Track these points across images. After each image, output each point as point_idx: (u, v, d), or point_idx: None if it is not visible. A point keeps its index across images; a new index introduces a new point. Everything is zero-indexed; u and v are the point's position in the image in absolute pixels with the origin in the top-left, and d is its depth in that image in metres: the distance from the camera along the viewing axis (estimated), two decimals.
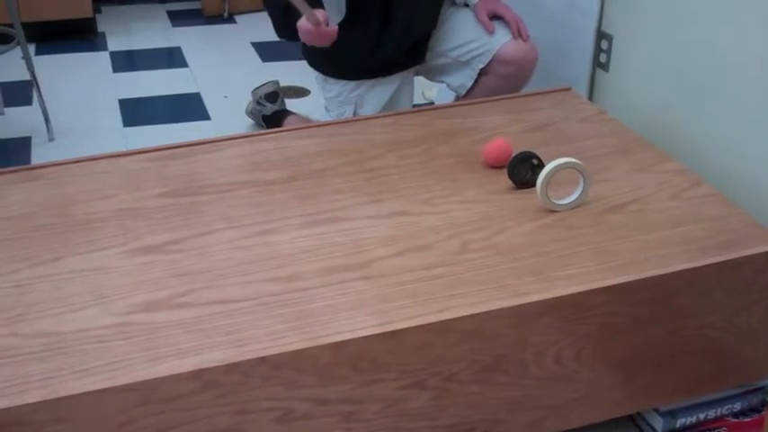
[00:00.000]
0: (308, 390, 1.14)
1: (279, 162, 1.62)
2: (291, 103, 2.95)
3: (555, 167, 1.41)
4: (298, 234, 1.38)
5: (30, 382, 1.05)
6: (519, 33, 2.05)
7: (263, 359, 1.09)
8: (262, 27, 4.09)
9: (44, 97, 2.91)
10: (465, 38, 2.09)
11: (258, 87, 2.88)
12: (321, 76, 2.19)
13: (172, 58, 3.81)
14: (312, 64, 2.21)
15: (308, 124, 1.98)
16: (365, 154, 1.65)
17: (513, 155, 1.53)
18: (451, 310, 1.19)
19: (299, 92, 3.00)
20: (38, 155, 2.81)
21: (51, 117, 2.92)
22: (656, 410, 1.47)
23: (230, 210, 1.45)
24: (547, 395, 1.31)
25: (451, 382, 1.22)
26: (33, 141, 2.92)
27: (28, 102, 3.21)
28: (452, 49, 2.12)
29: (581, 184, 1.44)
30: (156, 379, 1.05)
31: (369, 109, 2.15)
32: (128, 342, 1.12)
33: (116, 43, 3.97)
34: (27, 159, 2.79)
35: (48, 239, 1.36)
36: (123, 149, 1.67)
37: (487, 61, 2.07)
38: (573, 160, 1.42)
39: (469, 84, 2.13)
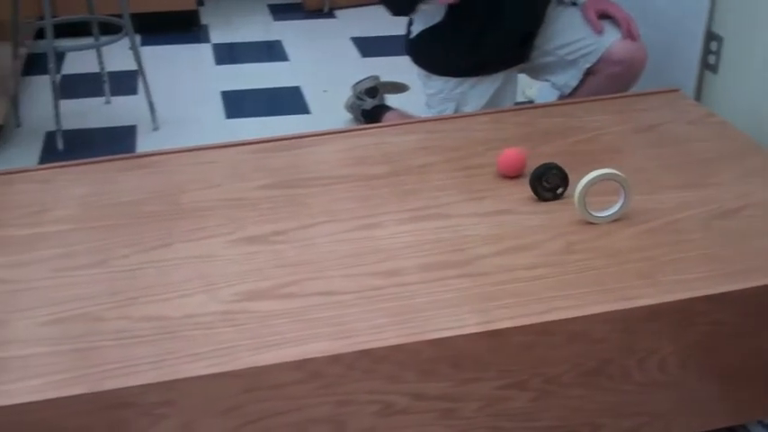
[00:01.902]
0: (408, 385, 1.14)
1: (380, 157, 1.63)
2: (390, 99, 2.96)
3: (594, 178, 1.36)
4: (399, 229, 1.38)
5: (140, 365, 1.08)
6: (629, 33, 2.01)
7: (365, 352, 1.10)
8: (362, 22, 4.12)
9: (149, 87, 2.99)
10: (572, 36, 2.06)
11: (359, 82, 2.90)
12: (424, 72, 2.19)
13: (272, 51, 3.87)
14: (415, 60, 2.21)
15: (408, 120, 1.98)
16: (467, 151, 1.65)
17: (535, 167, 1.48)
18: (556, 312, 1.18)
19: (399, 87, 3.00)
20: (142, 143, 2.88)
21: (156, 107, 2.99)
22: (761, 422, 1.43)
23: (333, 203, 1.46)
24: (649, 402, 1.29)
25: (553, 384, 1.21)
26: (138, 130, 3.00)
27: (133, 91, 3.29)
28: (559, 47, 2.09)
29: (622, 197, 1.39)
30: (261, 367, 1.07)
31: (471, 107, 2.15)
32: (234, 329, 1.14)
33: (218, 36, 4.04)
34: (132, 147, 2.87)
35: (157, 226, 1.39)
36: (225, 141, 1.70)
37: (595, 61, 2.04)
38: (613, 171, 1.37)
39: (574, 83, 2.10)
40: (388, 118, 2.64)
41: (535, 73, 2.23)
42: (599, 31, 2.03)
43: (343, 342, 1.11)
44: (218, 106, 3.21)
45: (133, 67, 3.01)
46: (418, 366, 1.13)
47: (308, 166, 1.59)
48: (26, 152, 2.90)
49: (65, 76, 3.41)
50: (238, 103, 3.24)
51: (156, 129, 3.00)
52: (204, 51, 3.84)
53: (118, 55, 3.29)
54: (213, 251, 1.32)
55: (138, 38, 3.18)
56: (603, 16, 2.07)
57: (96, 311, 1.18)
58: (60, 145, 2.87)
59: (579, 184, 1.37)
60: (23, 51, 3.36)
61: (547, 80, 2.23)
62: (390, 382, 1.13)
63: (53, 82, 2.85)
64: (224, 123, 3.06)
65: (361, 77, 2.97)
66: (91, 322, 1.16)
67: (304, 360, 1.08)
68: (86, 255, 1.32)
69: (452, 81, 2.15)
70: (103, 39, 3.12)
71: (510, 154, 1.54)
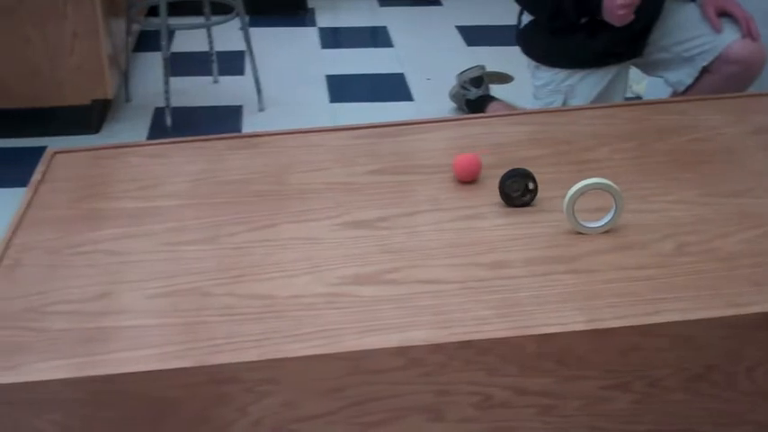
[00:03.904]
0: (509, 378, 1.13)
1: (486, 147, 1.61)
2: (495, 89, 2.94)
3: (583, 187, 1.31)
4: (504, 221, 1.37)
5: (246, 342, 1.09)
6: (749, 32, 1.96)
7: (468, 343, 1.10)
8: (468, 10, 4.10)
9: (257, 69, 3.03)
10: (690, 33, 2.02)
11: (464, 71, 2.89)
12: (533, 62, 2.18)
13: (378, 37, 3.89)
14: (525, 50, 2.20)
15: (516, 111, 1.97)
16: (576, 145, 1.62)
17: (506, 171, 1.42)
18: (663, 314, 1.15)
19: (503, 78, 2.98)
20: (248, 123, 2.94)
21: (262, 88, 3.04)
22: None
23: (438, 191, 1.46)
24: (754, 411, 1.25)
25: (656, 387, 1.18)
26: (244, 110, 3.05)
27: (240, 72, 3.35)
28: (675, 44, 2.05)
29: (613, 207, 1.33)
30: (364, 351, 1.08)
31: (579, 100, 2.12)
32: (338, 312, 1.15)
33: (325, 20, 4.08)
34: (238, 127, 2.93)
35: (265, 206, 1.41)
36: (329, 125, 1.71)
37: (712, 59, 1.99)
38: (604, 181, 1.32)
39: (689, 81, 2.06)
40: (492, 108, 2.63)
41: (648, 68, 2.19)
42: (718, 30, 1.98)
43: (446, 332, 1.11)
44: (322, 90, 3.24)
45: (241, 47, 3.07)
46: (520, 361, 1.12)
47: (414, 154, 1.59)
48: (135, 127, 2.98)
49: (174, 54, 3.49)
50: (342, 88, 3.27)
51: (261, 110, 3.04)
52: (310, 35, 3.88)
53: (226, 35, 3.36)
54: (319, 234, 1.33)
55: (246, 19, 3.23)
56: (723, 14, 2.01)
57: (204, 287, 1.20)
58: (168, 121, 2.94)
59: (568, 194, 1.32)
60: (136, 28, 3.45)
61: (660, 76, 2.19)
62: (491, 374, 1.12)
63: (165, 59, 2.92)
64: (328, 107, 3.09)
65: (465, 66, 2.96)
66: (199, 297, 1.18)
67: (406, 347, 1.09)
68: (196, 231, 1.34)
69: (562, 73, 2.13)
70: (214, 18, 3.18)
71: (464, 159, 1.50)
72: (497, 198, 1.42)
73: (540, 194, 1.44)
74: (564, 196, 1.32)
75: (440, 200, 1.43)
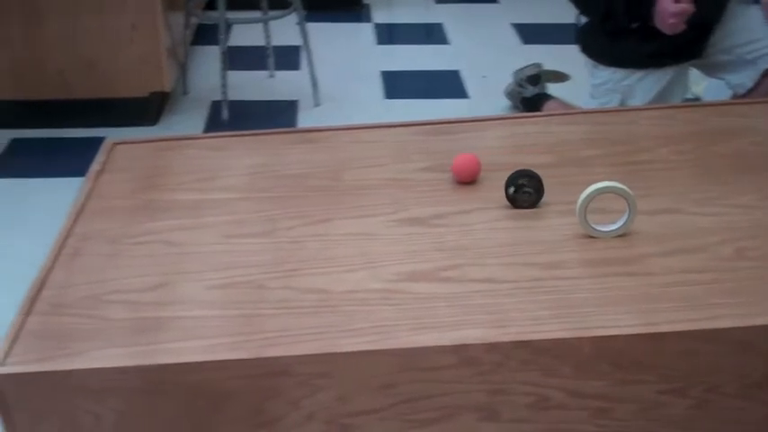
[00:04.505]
0: (564, 380, 1.12)
1: (543, 146, 1.60)
2: (551, 88, 2.92)
3: (595, 191, 1.29)
4: (561, 221, 1.36)
5: (300, 335, 1.10)
6: None
7: (523, 343, 1.09)
8: (524, 8, 4.08)
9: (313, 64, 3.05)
10: (753, 36, 1.99)
11: (521, 69, 2.87)
12: (591, 61, 2.16)
13: (433, 33, 3.88)
14: (583, 49, 2.18)
15: (573, 110, 1.95)
16: (634, 146, 1.60)
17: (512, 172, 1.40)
18: (722, 320, 1.13)
19: (560, 77, 2.96)
20: (303, 118, 2.95)
21: (317, 83, 3.05)
22: None
23: (492, 190, 1.45)
24: None
25: (714, 393, 1.16)
26: (300, 105, 3.07)
27: (296, 66, 3.37)
28: (738, 45, 2.02)
29: (627, 211, 1.31)
30: (418, 348, 1.08)
31: (637, 100, 2.10)
32: (393, 308, 1.15)
33: (380, 16, 4.08)
34: (293, 122, 2.94)
35: (321, 200, 1.42)
36: (383, 121, 1.71)
37: None
38: (617, 185, 1.29)
39: (750, 84, 2.03)
40: (548, 107, 2.61)
41: (709, 70, 2.16)
42: None
43: (501, 331, 1.11)
44: (377, 86, 3.24)
45: (297, 42, 3.09)
46: (576, 362, 1.11)
47: (470, 151, 1.58)
48: (192, 119, 3.01)
49: (230, 48, 3.53)
50: (397, 84, 3.27)
51: (317, 105, 3.06)
52: (366, 31, 3.89)
53: (283, 30, 3.37)
54: (374, 230, 1.34)
55: (303, 14, 3.24)
56: None
57: (261, 279, 1.21)
58: (225, 115, 2.97)
59: (581, 197, 1.30)
60: (194, 21, 3.48)
61: (721, 78, 2.15)
62: (546, 375, 1.12)
63: (222, 53, 2.95)
64: (383, 103, 3.09)
65: (521, 64, 2.95)
66: (255, 290, 1.19)
67: (461, 345, 1.08)
68: (253, 224, 1.35)
69: (620, 72, 2.11)
70: (272, 13, 3.20)
71: (464, 159, 1.48)
72: (557, 198, 1.41)
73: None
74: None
75: (495, 198, 1.42)
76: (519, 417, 1.14)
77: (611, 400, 1.15)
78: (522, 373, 1.11)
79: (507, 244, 1.30)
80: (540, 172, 1.49)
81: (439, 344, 1.08)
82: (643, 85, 2.06)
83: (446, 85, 3.26)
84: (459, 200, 1.41)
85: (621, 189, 1.30)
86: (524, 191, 1.38)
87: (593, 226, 1.31)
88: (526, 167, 1.41)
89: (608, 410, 1.16)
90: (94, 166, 1.53)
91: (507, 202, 1.40)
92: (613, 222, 1.32)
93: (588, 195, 1.29)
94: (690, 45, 2.03)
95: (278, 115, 3.01)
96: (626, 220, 1.31)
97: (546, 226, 1.35)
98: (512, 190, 1.38)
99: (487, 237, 1.32)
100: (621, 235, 1.31)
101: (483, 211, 1.39)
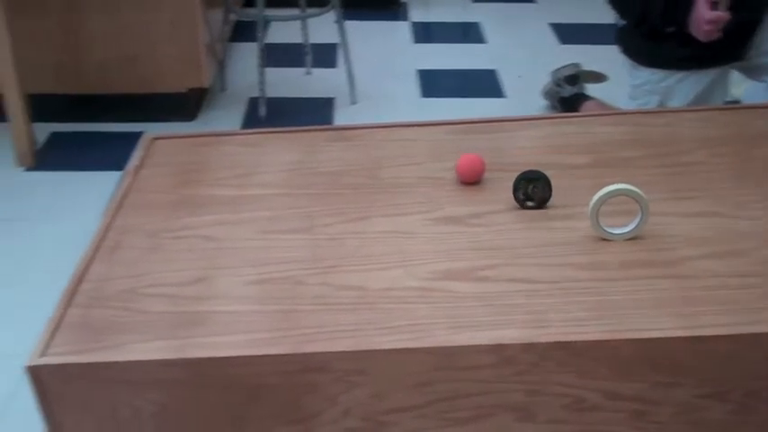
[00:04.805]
0: (602, 382, 1.12)
1: (581, 147, 1.59)
2: (589, 89, 2.90)
3: (608, 193, 1.27)
4: (601, 222, 1.35)
5: (338, 332, 1.10)
6: None
7: (561, 344, 1.08)
8: (561, 8, 4.06)
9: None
10: None
11: (559, 69, 2.86)
12: (631, 62, 2.14)
13: (470, 32, 3.87)
14: (623, 49, 2.16)
15: (612, 111, 1.94)
16: (674, 147, 1.59)
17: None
18: (764, 324, 1.12)
19: (598, 77, 2.94)
20: (340, 116, 2.96)
21: (354, 81, 3.06)
22: None
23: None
24: None
25: (754, 398, 1.15)
26: (336, 102, 3.07)
27: (332, 64, 3.38)
28: None
29: (639, 214, 1.29)
30: (455, 347, 1.08)
31: (676, 102, 2.08)
32: (429, 306, 1.15)
33: (417, 14, 4.08)
34: (329, 119, 2.95)
35: (357, 198, 1.42)
36: (419, 119, 1.71)
37: None
38: (629, 187, 1.28)
39: None
40: (586, 107, 2.60)
41: (751, 72, 2.13)
42: None
43: (539, 331, 1.10)
44: (413, 84, 3.24)
45: (334, 40, 3.09)
46: (614, 365, 1.10)
47: (507, 151, 1.58)
48: (230, 116, 3.03)
49: (268, 45, 3.54)
50: (434, 83, 3.27)
51: (353, 102, 3.06)
52: (402, 29, 3.89)
53: (320, 27, 3.38)
54: (411, 228, 1.34)
55: (341, 12, 3.25)
56: None
57: (299, 276, 1.22)
58: (263, 111, 2.98)
59: (593, 199, 1.29)
60: (232, 18, 3.50)
61: (764, 81, 2.13)
62: (584, 377, 1.11)
63: (260, 50, 2.96)
64: (419, 102, 3.09)
65: (558, 65, 2.93)
66: (293, 285, 1.20)
67: (498, 345, 1.08)
68: (291, 220, 1.36)
69: (660, 73, 2.09)
70: (310, 10, 3.21)
71: (468, 159, 1.47)
72: (589, 199, 1.40)
73: None
74: (664, 199, 1.30)
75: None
76: (555, 417, 1.14)
77: (649, 402, 1.14)
78: (559, 374, 1.11)
79: (544, 244, 1.30)
80: (577, 173, 1.48)
81: (476, 343, 1.08)
82: (683, 86, 2.04)
83: (482, 84, 3.25)
84: (494, 200, 1.41)
85: (634, 192, 1.29)
86: (532, 191, 1.38)
87: (605, 228, 1.30)
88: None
89: (645, 413, 1.15)
90: (134, 161, 1.54)
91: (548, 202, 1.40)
92: (625, 225, 1.31)
93: (600, 198, 1.29)
94: (731, 47, 2.00)
95: (315, 112, 3.02)
96: (638, 223, 1.30)
97: (584, 227, 1.34)
98: (520, 194, 1.38)
99: (524, 236, 1.32)
100: (632, 238, 1.30)
101: (520, 211, 1.38)
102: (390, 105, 3.03)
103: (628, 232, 1.30)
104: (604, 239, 1.30)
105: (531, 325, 1.11)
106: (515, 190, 1.39)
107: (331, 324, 1.12)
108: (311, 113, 3.01)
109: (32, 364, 1.08)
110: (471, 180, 1.47)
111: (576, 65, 2.85)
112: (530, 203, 1.39)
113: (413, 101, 3.08)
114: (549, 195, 1.39)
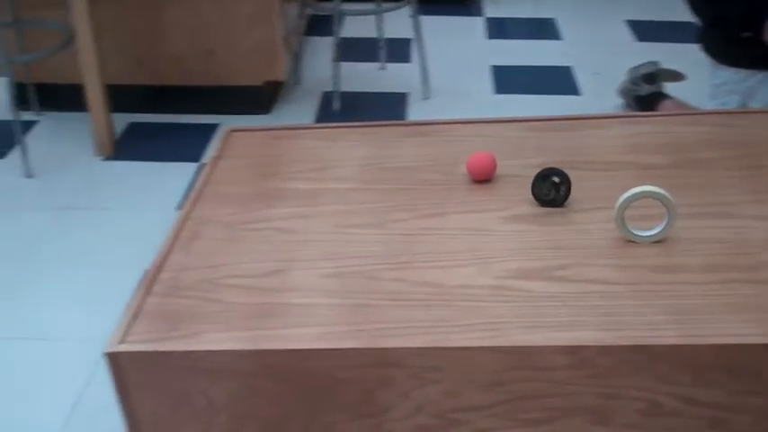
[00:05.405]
0: (678, 387, 1.10)
1: (661, 147, 1.57)
2: (666, 87, 2.85)
3: (635, 194, 1.24)
4: (680, 224, 1.32)
5: (413, 327, 1.10)
6: None
7: (639, 348, 1.07)
8: (638, 5, 3.99)
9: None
10: None
11: (636, 67, 2.82)
12: (712, 61, 2.10)
13: (545, 29, 3.83)
14: (705, 48, 2.12)
15: (693, 111, 1.90)
16: (759, 149, 1.55)
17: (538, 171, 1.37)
18: None
19: (676, 76, 2.89)
20: (413, 111, 2.95)
21: (428, 76, 3.05)
22: None
23: (607, 189, 1.42)
24: None
25: None
26: (409, 98, 3.07)
27: (406, 59, 3.38)
28: None
29: (666, 217, 1.26)
30: (531, 347, 1.07)
31: (758, 102, 2.03)
32: (504, 305, 1.14)
33: (492, 10, 4.06)
34: (402, 114, 2.95)
35: (432, 194, 1.42)
36: (493, 115, 1.70)
37: None
38: (656, 189, 1.24)
39: None
40: (664, 106, 2.55)
41: None
42: None
43: (616, 334, 1.09)
44: (487, 80, 3.23)
45: (408, 35, 3.10)
46: (692, 370, 1.08)
47: (584, 150, 1.56)
48: (303, 109, 3.05)
49: (343, 39, 3.56)
50: (508, 79, 3.24)
51: (426, 98, 3.06)
52: (477, 25, 3.87)
53: (395, 22, 3.38)
54: (486, 225, 1.33)
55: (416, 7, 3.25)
56: None
57: (374, 270, 1.22)
58: (337, 105, 2.99)
59: (619, 200, 1.26)
60: (308, 12, 3.53)
61: None
62: (661, 381, 1.09)
63: (336, 44, 2.97)
64: (492, 98, 3.08)
65: (634, 62, 2.89)
66: (368, 280, 1.20)
67: (575, 346, 1.07)
68: (365, 215, 1.36)
69: (742, 73, 2.05)
70: (385, 5, 3.22)
71: (479, 157, 1.45)
72: (675, 200, 1.38)
73: (718, 198, 1.38)
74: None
75: (609, 198, 1.39)
76: (631, 422, 1.12)
77: (727, 410, 1.12)
78: (635, 378, 1.09)
79: (622, 245, 1.28)
80: (656, 173, 1.46)
81: (552, 344, 1.07)
82: (765, 87, 1.99)
83: (557, 80, 3.22)
84: (572, 198, 1.39)
85: (660, 194, 1.27)
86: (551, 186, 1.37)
87: (631, 230, 1.29)
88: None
89: (723, 421, 1.12)
90: (212, 153, 1.56)
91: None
92: (651, 228, 1.29)
93: (626, 200, 1.27)
94: None
95: (388, 107, 3.02)
96: (665, 226, 1.28)
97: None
98: (541, 189, 1.37)
99: (601, 237, 1.30)
100: (659, 241, 1.28)
101: (597, 210, 1.37)
102: (463, 101, 3.01)
103: (654, 235, 1.29)
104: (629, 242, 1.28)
105: (608, 327, 1.10)
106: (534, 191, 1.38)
107: (406, 320, 1.12)
108: (384, 108, 3.01)
109: (111, 350, 1.10)
110: (482, 178, 1.46)
111: (654, 63, 2.81)
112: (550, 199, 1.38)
113: (486, 97, 3.06)
114: (568, 194, 1.38)
